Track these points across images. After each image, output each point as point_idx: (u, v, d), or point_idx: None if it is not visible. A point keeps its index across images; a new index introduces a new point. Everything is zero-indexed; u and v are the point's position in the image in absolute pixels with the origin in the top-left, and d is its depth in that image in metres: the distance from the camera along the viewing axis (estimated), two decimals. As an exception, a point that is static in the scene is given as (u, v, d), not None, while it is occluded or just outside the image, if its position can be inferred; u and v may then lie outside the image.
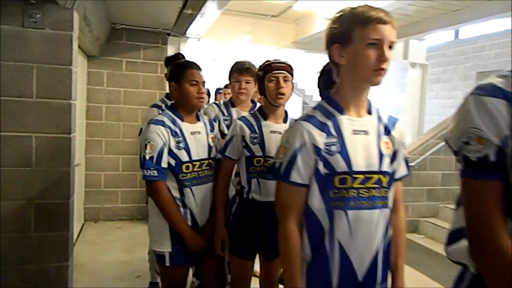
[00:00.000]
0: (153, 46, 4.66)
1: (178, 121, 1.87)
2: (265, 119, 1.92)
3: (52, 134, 2.30)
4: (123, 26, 4.39)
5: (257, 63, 2.13)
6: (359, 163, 1.21)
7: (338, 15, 1.21)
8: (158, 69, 4.70)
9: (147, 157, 1.76)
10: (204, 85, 1.93)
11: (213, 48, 6.79)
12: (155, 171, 1.76)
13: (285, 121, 1.96)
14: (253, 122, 1.91)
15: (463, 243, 0.85)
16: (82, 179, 4.43)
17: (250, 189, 1.88)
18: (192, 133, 1.89)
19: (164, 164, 1.78)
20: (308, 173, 1.21)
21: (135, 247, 3.84)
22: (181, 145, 1.84)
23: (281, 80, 1.84)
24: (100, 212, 4.64)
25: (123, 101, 4.63)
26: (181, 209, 1.85)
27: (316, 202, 1.22)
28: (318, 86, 1.49)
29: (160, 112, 2.37)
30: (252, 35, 5.41)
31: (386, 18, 1.15)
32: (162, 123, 1.82)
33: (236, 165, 1.97)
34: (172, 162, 1.81)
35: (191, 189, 1.86)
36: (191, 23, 4.25)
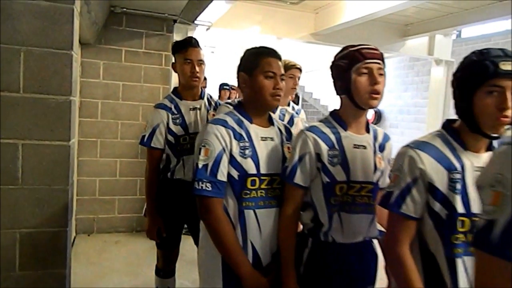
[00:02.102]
0: (157, 34, 4.07)
1: (246, 122, 1.46)
2: (345, 128, 1.41)
3: (45, 142, 1.72)
4: (124, 9, 3.79)
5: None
6: None
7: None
8: (163, 60, 4.11)
9: (200, 165, 1.38)
10: (283, 79, 1.47)
11: (214, 38, 6.19)
12: (209, 185, 1.37)
13: (368, 130, 1.46)
14: (330, 134, 1.39)
15: None
16: (74, 186, 3.83)
17: (330, 228, 1.37)
18: (263, 138, 1.46)
19: (222, 176, 1.39)
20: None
21: (138, 267, 3.29)
22: (247, 152, 1.40)
23: (375, 73, 1.33)
24: (94, 224, 4.05)
25: (121, 96, 4.04)
26: (240, 238, 1.40)
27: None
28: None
29: (171, 115, 2.11)
30: (262, 25, 4.86)
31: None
32: (224, 123, 1.43)
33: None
34: (234, 173, 1.41)
35: (255, 213, 1.42)
36: (205, 7, 3.69)
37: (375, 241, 1.51)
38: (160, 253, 2.28)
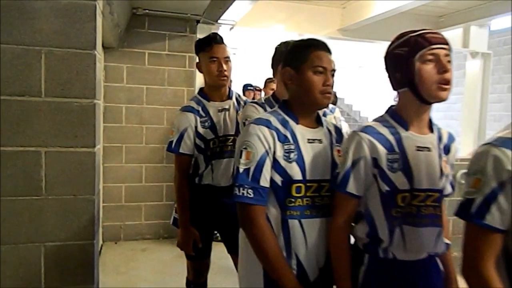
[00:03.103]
0: (180, 35, 3.98)
1: (291, 122, 1.33)
2: (406, 128, 1.23)
3: (69, 148, 1.61)
4: (146, 11, 3.70)
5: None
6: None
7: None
8: (186, 62, 4.01)
9: (241, 169, 1.26)
10: (333, 75, 1.32)
11: (235, 39, 6.05)
12: (250, 191, 1.24)
13: (431, 129, 1.27)
14: (388, 135, 1.22)
15: None
16: (100, 194, 3.76)
17: (391, 243, 1.20)
18: (310, 141, 1.31)
19: (265, 182, 1.26)
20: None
21: (166, 276, 3.18)
22: (292, 155, 1.26)
23: (443, 59, 1.15)
24: (121, 231, 3.97)
25: (145, 100, 3.95)
26: (283, 250, 1.26)
27: None
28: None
29: (199, 118, 1.98)
30: (286, 23, 4.70)
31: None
32: (267, 123, 1.30)
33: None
34: (277, 179, 1.28)
35: (300, 223, 1.27)
36: (228, 6, 3.56)
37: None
38: (190, 265, 2.14)
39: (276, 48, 1.83)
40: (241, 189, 1.24)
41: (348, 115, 10.18)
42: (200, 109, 2.00)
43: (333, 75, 1.32)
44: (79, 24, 1.59)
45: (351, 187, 1.22)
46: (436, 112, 9.29)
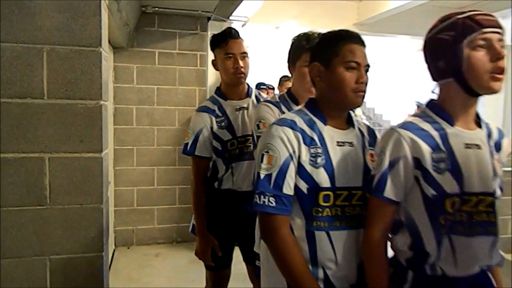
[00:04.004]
0: (190, 33, 3.86)
1: (319, 123, 1.20)
2: (452, 123, 1.09)
3: (75, 154, 1.50)
4: (155, 9, 3.59)
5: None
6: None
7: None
8: (197, 60, 3.89)
9: (262, 175, 1.14)
10: (367, 71, 1.18)
11: (246, 37, 5.91)
12: (272, 199, 1.12)
13: (479, 124, 1.13)
14: (431, 131, 1.08)
15: None
16: (112, 197, 3.67)
17: (439, 257, 1.05)
18: (340, 143, 1.17)
19: (288, 189, 1.13)
20: None
21: (180, 283, 3.08)
22: (320, 160, 1.13)
23: (497, 45, 1.00)
24: (134, 235, 3.87)
25: (156, 100, 3.84)
26: (309, 265, 1.13)
27: None
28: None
29: (215, 118, 1.87)
30: (299, 18, 4.54)
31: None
32: (292, 124, 1.17)
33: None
34: (303, 186, 1.15)
35: (328, 235, 1.14)
36: (240, 3, 3.43)
37: None
38: (209, 275, 1.99)
39: (293, 41, 1.68)
40: (262, 197, 1.11)
41: (369, 117, 9.90)
42: (216, 108, 1.89)
43: (367, 71, 1.18)
44: (83, 19, 1.47)
45: (389, 192, 1.08)
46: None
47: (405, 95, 8.37)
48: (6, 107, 1.42)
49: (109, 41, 3.24)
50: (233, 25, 4.04)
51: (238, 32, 1.87)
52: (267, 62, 7.79)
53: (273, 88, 5.31)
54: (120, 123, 3.76)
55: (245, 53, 1.84)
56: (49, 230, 1.49)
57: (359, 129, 1.26)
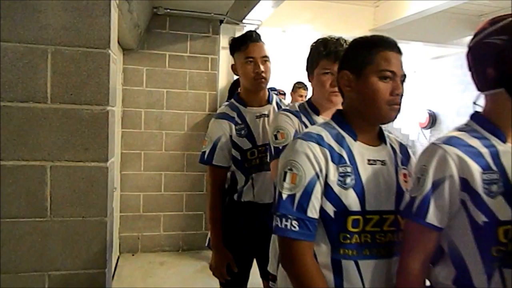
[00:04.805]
0: (202, 36, 3.76)
1: (348, 139, 1.09)
2: (504, 139, 0.99)
3: (78, 163, 1.39)
4: (167, 10, 3.50)
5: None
6: None
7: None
8: (209, 64, 3.79)
9: (285, 195, 1.02)
10: (404, 81, 1.06)
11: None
12: (295, 223, 1.00)
13: None
14: (481, 149, 0.96)
15: None
16: (117, 202, 3.57)
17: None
18: (371, 162, 1.05)
19: (313, 212, 1.01)
20: None
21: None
22: (349, 180, 1.01)
23: None
24: (139, 242, 3.77)
25: (166, 104, 3.75)
26: None
27: None
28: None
29: (234, 126, 1.76)
30: (314, 22, 4.43)
31: None
32: (319, 139, 1.05)
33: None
34: (329, 209, 1.02)
35: (357, 264, 1.01)
36: (254, 6, 3.33)
37: None
38: None
39: (311, 48, 1.56)
40: (283, 220, 1.00)
41: (389, 132, 9.71)
42: (235, 115, 1.78)
43: (403, 82, 1.06)
44: (91, 18, 1.37)
45: (432, 217, 0.95)
46: (466, 117, 8.88)
47: (417, 103, 8.23)
48: (6, 111, 1.32)
49: (118, 42, 3.16)
50: (245, 29, 3.95)
51: (259, 35, 1.76)
52: (277, 66, 7.67)
53: (284, 94, 5.19)
54: (128, 126, 3.67)
55: (266, 57, 1.74)
56: (49, 244, 1.39)
57: (390, 145, 1.14)
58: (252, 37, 1.73)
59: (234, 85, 3.62)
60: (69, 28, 1.35)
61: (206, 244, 1.89)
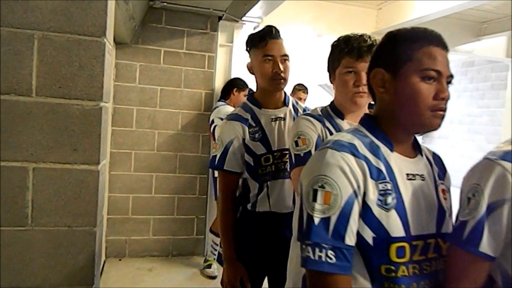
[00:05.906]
0: (199, 32, 3.60)
1: (384, 149, 0.92)
2: None
3: (65, 165, 1.23)
4: (164, 4, 3.33)
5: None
6: None
7: None
8: (205, 62, 3.63)
9: (317, 219, 0.83)
10: (450, 82, 0.91)
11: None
12: (331, 253, 0.81)
13: None
14: None
15: None
16: (105, 204, 3.39)
17: None
18: (410, 176, 0.90)
19: (351, 239, 0.84)
20: None
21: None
22: (391, 200, 0.85)
23: None
24: (126, 246, 3.58)
25: (159, 102, 3.58)
26: None
27: None
28: None
29: (248, 128, 1.62)
30: (315, 23, 4.31)
31: None
32: (353, 149, 0.88)
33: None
34: (367, 235, 0.85)
35: None
36: (255, 3, 3.18)
37: None
38: None
39: (332, 46, 1.43)
40: (317, 249, 0.81)
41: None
42: (249, 117, 1.64)
43: (449, 84, 0.90)
44: (86, 2, 1.21)
45: (486, 245, 0.82)
46: (459, 125, 8.87)
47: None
48: (-16, 104, 1.16)
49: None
50: (245, 26, 3.81)
51: (279, 32, 1.62)
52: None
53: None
54: (118, 124, 3.49)
55: (286, 55, 1.60)
56: (30, 257, 1.22)
57: (426, 157, 1.00)
58: (271, 33, 1.59)
59: (228, 85, 3.48)
60: (60, 11, 1.19)
61: (216, 259, 1.72)
